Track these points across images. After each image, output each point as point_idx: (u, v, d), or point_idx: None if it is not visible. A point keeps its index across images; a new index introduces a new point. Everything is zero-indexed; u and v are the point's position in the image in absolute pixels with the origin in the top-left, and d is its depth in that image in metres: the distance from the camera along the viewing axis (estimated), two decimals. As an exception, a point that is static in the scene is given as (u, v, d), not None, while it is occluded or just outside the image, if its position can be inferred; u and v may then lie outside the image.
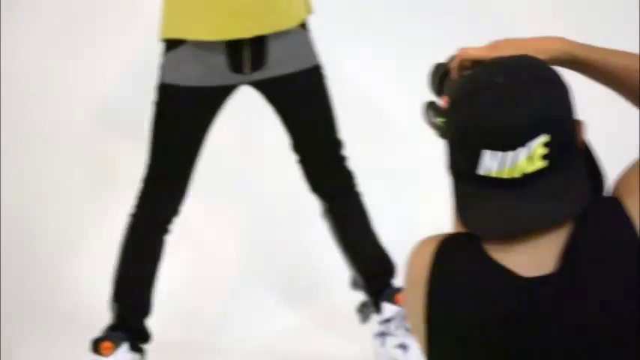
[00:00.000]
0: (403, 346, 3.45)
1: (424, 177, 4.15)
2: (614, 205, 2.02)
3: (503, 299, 2.01)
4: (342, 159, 3.46)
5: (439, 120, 2.20)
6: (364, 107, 4.38)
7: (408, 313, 2.16)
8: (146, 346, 3.41)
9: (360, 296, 3.59)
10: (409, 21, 4.80)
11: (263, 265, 4.40)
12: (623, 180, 2.09)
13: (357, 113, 3.98)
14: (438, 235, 2.11)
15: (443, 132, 2.17)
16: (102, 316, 3.41)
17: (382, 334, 3.48)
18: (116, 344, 3.31)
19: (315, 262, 4.07)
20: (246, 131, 4.47)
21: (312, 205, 3.55)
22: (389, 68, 4.70)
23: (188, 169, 3.32)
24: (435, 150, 4.22)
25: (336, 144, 3.44)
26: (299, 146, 3.42)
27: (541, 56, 2.10)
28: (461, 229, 2.10)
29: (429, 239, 2.10)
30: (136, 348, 3.36)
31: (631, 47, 4.86)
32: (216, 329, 4.03)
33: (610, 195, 2.08)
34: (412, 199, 4.11)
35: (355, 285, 3.55)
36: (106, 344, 3.31)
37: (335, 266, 3.65)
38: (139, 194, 3.34)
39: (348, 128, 3.52)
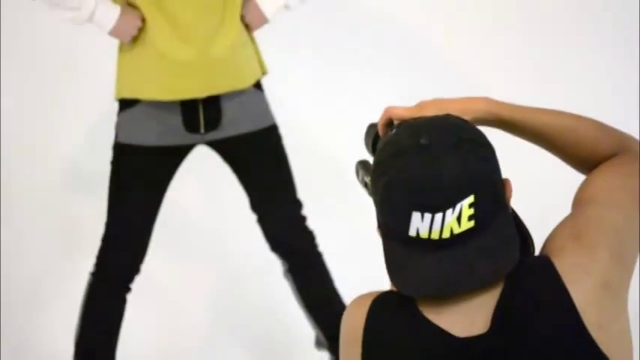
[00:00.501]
0: None
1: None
2: (545, 263, 2.02)
3: (438, 359, 2.02)
4: (300, 219, 3.47)
5: (369, 179, 2.20)
6: (326, 166, 4.41)
7: None
8: None
9: (324, 355, 3.60)
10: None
11: (231, 326, 4.38)
12: (552, 239, 2.09)
13: (317, 171, 3.96)
14: (372, 293, 2.10)
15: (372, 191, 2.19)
16: None
17: None
18: None
19: (282, 320, 4.07)
20: (212, 189, 4.47)
21: (278, 264, 3.57)
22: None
23: (146, 228, 3.32)
24: None
25: (294, 204, 3.45)
26: (256, 205, 3.43)
27: (466, 116, 2.10)
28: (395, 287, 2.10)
29: (363, 297, 2.09)
30: None
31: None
32: None
33: (540, 254, 2.08)
34: (376, 256, 4.10)
35: (319, 344, 3.55)
36: None
37: (302, 325, 3.64)
38: (99, 253, 3.33)
39: (309, 187, 3.57)
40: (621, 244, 2.07)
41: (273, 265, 3.58)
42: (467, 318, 1.99)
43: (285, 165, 3.42)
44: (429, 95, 2.28)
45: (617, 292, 2.02)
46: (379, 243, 3.61)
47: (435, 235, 1.96)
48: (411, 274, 2.01)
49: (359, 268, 3.87)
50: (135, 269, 3.32)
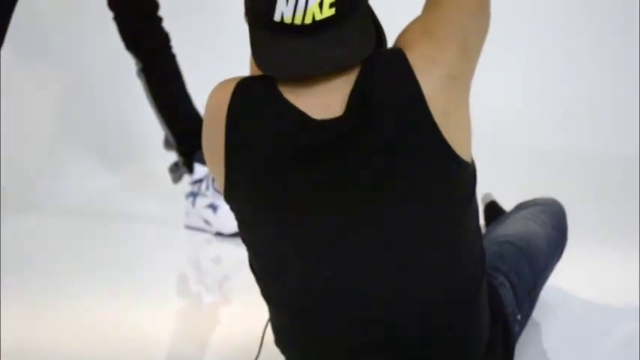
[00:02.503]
0: (213, 206, 3.53)
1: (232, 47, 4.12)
2: (397, 54, 2.11)
3: (296, 139, 2.11)
4: (157, 18, 3.48)
5: None
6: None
7: (206, 152, 2.26)
8: None
9: (171, 156, 3.67)
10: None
11: (79, 126, 4.40)
12: (405, 34, 2.19)
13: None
14: (236, 78, 2.19)
15: None
16: None
17: (193, 194, 3.57)
18: None
19: (131, 122, 4.11)
20: None
21: (130, 66, 3.57)
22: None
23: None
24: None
25: (152, 3, 3.47)
26: (115, 1, 3.44)
27: None
28: (256, 74, 2.21)
29: (227, 81, 2.19)
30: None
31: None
32: (36, 184, 4.08)
33: (393, 47, 2.18)
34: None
35: (168, 145, 3.62)
36: None
37: (150, 127, 3.72)
38: None
39: None
40: (466, 39, 2.18)
41: (128, 66, 3.59)
42: (324, 101, 2.10)
43: None
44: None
45: (461, 82, 2.15)
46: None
47: (297, 20, 2.05)
48: (274, 57, 2.10)
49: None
50: None
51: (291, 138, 2.12)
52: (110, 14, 3.52)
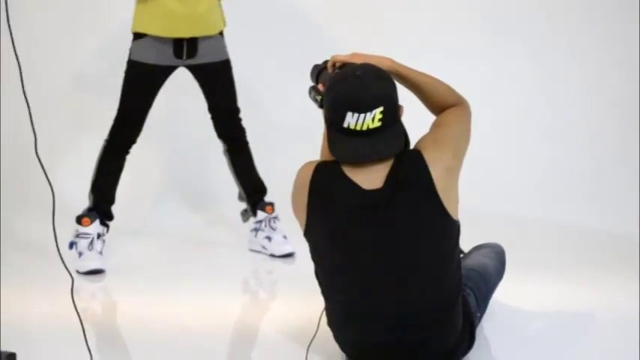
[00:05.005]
0: (268, 238, 3.49)
1: (284, 139, 4.25)
2: (417, 153, 2.21)
3: (352, 201, 2.18)
4: (238, 119, 3.46)
5: (318, 97, 2.34)
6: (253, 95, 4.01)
7: (294, 205, 2.29)
8: (109, 224, 3.39)
9: (242, 205, 3.60)
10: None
11: (184, 180, 4.28)
12: (421, 141, 2.27)
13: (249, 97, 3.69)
14: (315, 160, 2.28)
15: (320, 104, 2.33)
16: (82, 205, 3.38)
17: (255, 230, 3.52)
18: (92, 219, 3.32)
19: (220, 183, 3.89)
20: (180, 106, 4.13)
21: (218, 147, 3.52)
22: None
23: (143, 115, 3.30)
24: (292, 125, 4.20)
25: (235, 109, 3.44)
26: (211, 107, 3.41)
27: (380, 66, 2.27)
28: (327, 158, 2.27)
29: (311, 162, 2.27)
30: (104, 224, 3.37)
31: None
32: (145, 219, 3.96)
33: (414, 148, 2.26)
34: (275, 152, 4.03)
35: (240, 198, 3.58)
36: (85, 219, 3.32)
37: (230, 186, 3.58)
38: (112, 129, 3.32)
39: (243, 103, 3.48)
40: (458, 148, 2.29)
41: (218, 146, 3.53)
42: (370, 178, 2.19)
43: (232, 85, 3.38)
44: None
45: (454, 173, 2.24)
46: (279, 146, 3.53)
47: (358, 127, 2.15)
48: (342, 149, 2.19)
49: (266, 158, 3.76)
50: (133, 140, 3.34)
51: (349, 200, 2.19)
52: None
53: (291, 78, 3.58)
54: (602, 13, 4.60)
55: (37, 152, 1.66)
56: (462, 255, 2.62)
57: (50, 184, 1.72)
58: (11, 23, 1.58)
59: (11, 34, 1.59)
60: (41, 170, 1.69)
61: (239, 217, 3.65)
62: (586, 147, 4.50)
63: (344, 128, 2.17)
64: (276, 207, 3.54)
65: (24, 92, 1.64)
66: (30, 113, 1.63)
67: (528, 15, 4.65)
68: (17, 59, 1.61)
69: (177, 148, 4.32)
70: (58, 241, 1.80)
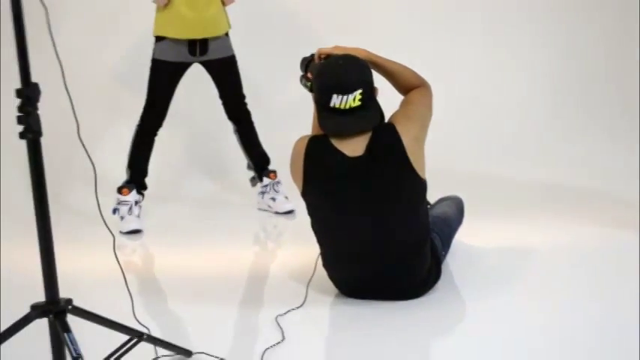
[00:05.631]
0: (273, 199, 3.46)
1: (281, 119, 4.08)
2: (390, 125, 2.20)
3: (340, 166, 2.18)
4: (244, 104, 3.40)
5: (308, 83, 2.34)
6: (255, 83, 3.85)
7: (292, 170, 2.26)
8: (144, 192, 3.34)
9: (250, 173, 3.57)
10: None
11: (202, 154, 4.19)
12: (394, 116, 2.26)
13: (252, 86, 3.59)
14: (308, 135, 2.29)
15: (310, 89, 2.34)
16: (121, 178, 3.34)
17: (262, 192, 3.50)
18: (130, 189, 3.31)
19: (232, 156, 3.82)
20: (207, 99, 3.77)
21: (228, 127, 3.46)
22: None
23: (166, 103, 3.25)
24: (287, 106, 4.11)
25: (242, 95, 3.37)
26: (222, 95, 3.36)
27: (357, 55, 2.26)
28: (317, 132, 2.26)
29: (304, 136, 2.27)
30: (140, 192, 3.34)
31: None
32: (174, 188, 3.82)
33: (388, 122, 2.25)
34: (275, 129, 3.80)
35: (249, 167, 3.55)
36: (125, 189, 3.31)
37: (240, 157, 3.56)
38: (142, 115, 3.27)
39: (247, 90, 3.40)
40: (424, 120, 2.29)
41: (228, 127, 3.48)
42: (354, 147, 2.19)
43: (238, 76, 3.32)
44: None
45: (421, 141, 2.24)
46: (278, 124, 3.61)
47: (342, 106, 2.15)
48: (329, 124, 2.19)
49: (268, 133, 3.62)
50: (160, 124, 3.28)
51: (337, 166, 2.19)
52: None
53: (285, 68, 3.56)
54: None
55: (79, 136, 1.64)
56: (429, 206, 2.59)
57: (92, 162, 1.70)
58: (52, 31, 1.56)
59: (52, 39, 1.58)
60: (84, 151, 1.68)
61: (248, 183, 3.62)
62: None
63: (330, 107, 2.18)
64: (278, 174, 3.51)
65: (66, 86, 1.62)
66: (72, 104, 1.62)
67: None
68: (59, 60, 1.59)
69: (196, 129, 4.28)
70: (101, 208, 1.81)
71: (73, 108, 1.61)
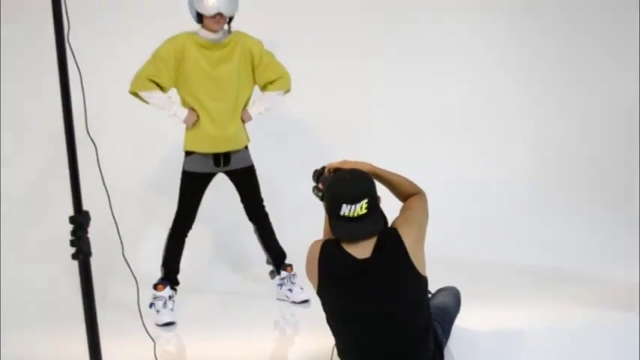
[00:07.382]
0: (290, 290, 3.42)
1: (296, 216, 4.08)
2: (394, 230, 2.17)
3: (349, 268, 2.14)
4: (262, 207, 3.38)
5: (320, 193, 2.31)
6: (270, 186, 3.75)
7: (308, 272, 2.23)
8: (177, 288, 3.30)
9: (269, 267, 3.54)
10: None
11: (227, 251, 4.17)
12: (395, 222, 2.23)
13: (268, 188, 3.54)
14: (321, 240, 2.25)
15: (321, 198, 2.29)
16: (156, 276, 3.30)
17: (280, 284, 3.46)
18: (164, 286, 3.27)
19: (253, 252, 3.80)
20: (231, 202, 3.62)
21: (249, 227, 3.44)
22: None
23: (195, 209, 3.24)
24: (299, 207, 4.08)
25: (260, 199, 3.36)
26: (243, 200, 3.35)
27: (362, 169, 2.26)
28: (328, 236, 2.24)
29: (317, 241, 2.23)
30: (173, 288, 3.30)
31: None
32: (202, 281, 3.79)
33: (391, 227, 2.22)
34: (289, 227, 3.80)
35: (268, 262, 3.50)
36: (160, 286, 3.27)
37: (260, 254, 3.54)
38: (174, 222, 3.26)
39: (265, 193, 3.39)
40: (422, 226, 2.25)
41: (248, 227, 3.45)
42: (362, 250, 2.16)
43: (257, 183, 3.31)
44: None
45: (420, 242, 2.21)
46: (293, 223, 3.55)
47: (351, 215, 2.13)
48: (341, 231, 2.16)
49: (284, 231, 3.62)
50: (189, 227, 3.25)
51: (348, 268, 2.15)
52: None
53: (297, 174, 3.68)
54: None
55: (124, 255, 1.65)
56: (430, 295, 2.55)
57: (135, 278, 1.71)
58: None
59: (101, 172, 1.60)
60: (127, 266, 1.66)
61: (268, 276, 3.58)
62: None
63: (341, 216, 2.14)
64: (293, 267, 3.47)
65: (113, 215, 1.63)
66: (118, 230, 1.65)
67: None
68: (105, 188, 1.61)
69: (221, 229, 4.27)
70: (140, 303, 1.79)
71: (118, 231, 1.61)
